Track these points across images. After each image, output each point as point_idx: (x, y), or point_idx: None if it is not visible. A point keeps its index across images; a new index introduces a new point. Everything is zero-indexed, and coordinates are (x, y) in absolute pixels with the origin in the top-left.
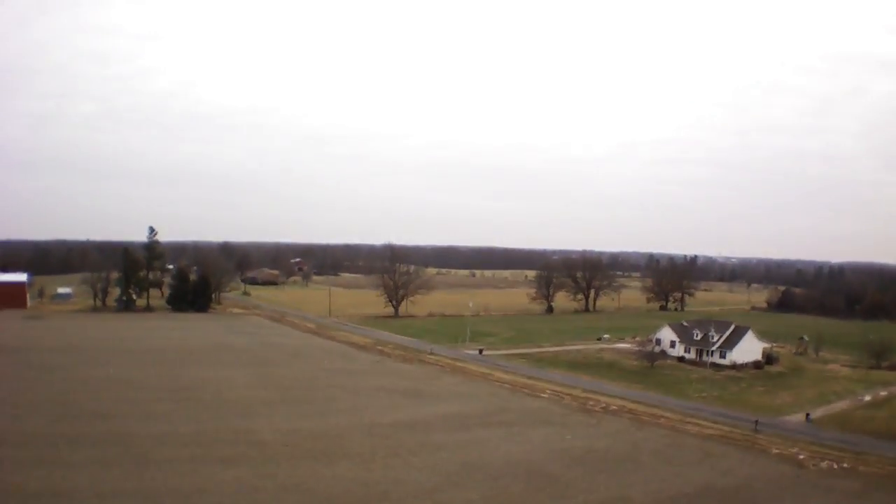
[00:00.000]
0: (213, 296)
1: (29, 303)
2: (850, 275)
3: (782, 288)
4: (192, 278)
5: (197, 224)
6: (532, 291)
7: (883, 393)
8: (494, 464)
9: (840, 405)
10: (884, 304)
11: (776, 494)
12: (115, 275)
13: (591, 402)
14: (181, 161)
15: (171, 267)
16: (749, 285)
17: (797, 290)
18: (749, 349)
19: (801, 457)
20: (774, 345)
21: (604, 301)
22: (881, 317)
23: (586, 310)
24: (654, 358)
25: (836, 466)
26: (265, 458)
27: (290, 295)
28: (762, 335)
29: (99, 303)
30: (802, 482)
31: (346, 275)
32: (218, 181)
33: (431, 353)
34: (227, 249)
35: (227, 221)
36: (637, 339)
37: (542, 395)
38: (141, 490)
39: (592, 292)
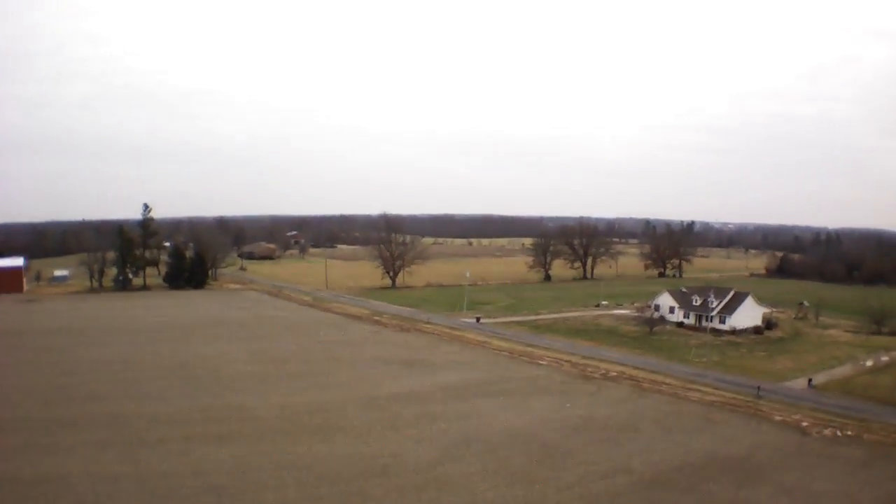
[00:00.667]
0: (210, 272)
1: (26, 286)
2: (847, 241)
3: (780, 254)
4: (188, 255)
5: (192, 200)
6: (529, 259)
7: (884, 358)
8: (493, 435)
9: (842, 370)
10: (882, 270)
11: (780, 463)
12: (111, 255)
13: (590, 369)
14: (174, 138)
15: (167, 244)
16: (747, 251)
17: (795, 256)
18: (749, 314)
19: (805, 424)
20: (774, 310)
21: (601, 268)
22: (880, 283)
23: (584, 277)
24: (653, 323)
25: (839, 434)
26: (261, 435)
27: (286, 268)
28: (761, 301)
29: (96, 283)
30: (806, 450)
31: (343, 246)
32: (212, 156)
33: (428, 323)
34: (222, 224)
35: (222, 196)
36: (636, 305)
37: (541, 362)
38: (134, 472)
39: (590, 259)
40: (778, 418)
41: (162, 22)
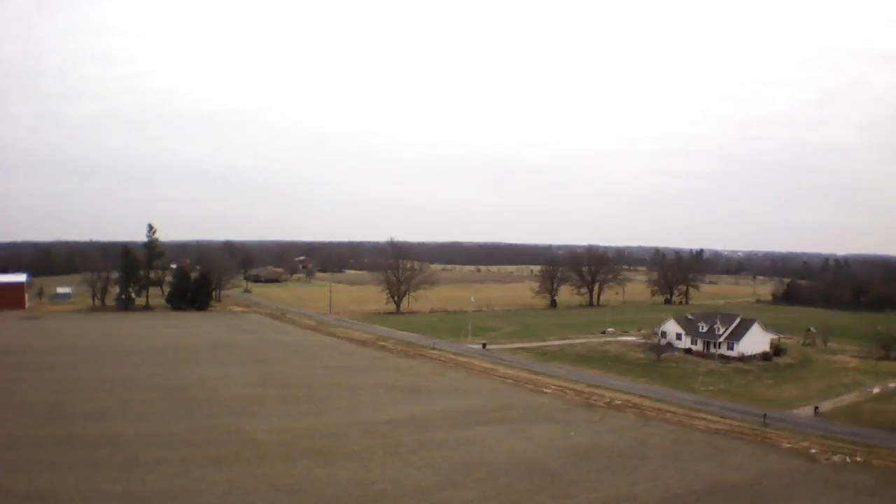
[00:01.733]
0: (214, 294)
1: (28, 303)
2: (855, 267)
3: (788, 280)
4: (192, 277)
5: (201, 224)
6: (536, 286)
7: (892, 384)
8: (496, 462)
9: (849, 397)
10: (890, 296)
11: (788, 490)
12: (115, 274)
13: (595, 397)
14: (182, 160)
15: (174, 266)
16: (755, 278)
17: (803, 283)
18: (756, 341)
19: (813, 451)
20: (781, 336)
21: (608, 295)
22: (887, 309)
23: (590, 304)
24: (661, 350)
25: (848, 460)
26: (259, 459)
27: (292, 292)
28: (768, 327)
29: (98, 302)
30: (814, 477)
31: (351, 272)
32: (220, 181)
33: (433, 349)
34: (230, 248)
35: (231, 221)
36: (642, 332)
37: (546, 390)
38: (128, 492)
39: (597, 286)
40: (786, 446)
41: (170, 42)
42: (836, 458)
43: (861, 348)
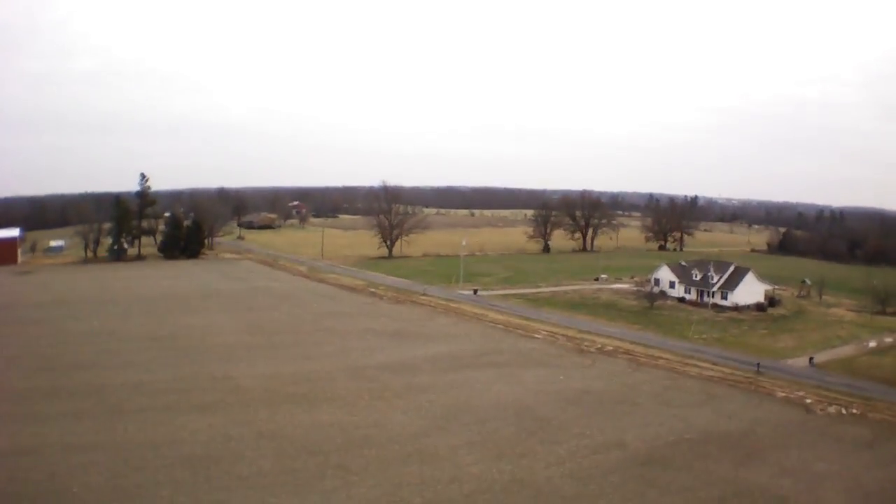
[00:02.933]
0: (206, 241)
1: (20, 258)
2: (851, 219)
3: (783, 230)
4: (185, 225)
5: (195, 172)
6: (529, 230)
7: (888, 339)
8: (483, 406)
9: (845, 350)
10: (886, 250)
11: (782, 441)
12: (107, 225)
13: (586, 343)
14: (177, 111)
15: (167, 214)
16: (750, 226)
17: (798, 233)
18: (751, 291)
19: (809, 401)
20: (776, 287)
21: (602, 240)
22: (883, 262)
23: (584, 249)
24: (653, 298)
25: (844, 412)
26: (243, 405)
27: (285, 238)
28: (763, 277)
29: (90, 254)
30: (810, 428)
31: (345, 217)
32: (215, 129)
33: (424, 294)
34: (223, 195)
35: (225, 168)
36: (635, 279)
37: (537, 335)
38: (111, 442)
39: (591, 231)
40: (780, 395)
41: None
42: (832, 409)
43: (857, 302)
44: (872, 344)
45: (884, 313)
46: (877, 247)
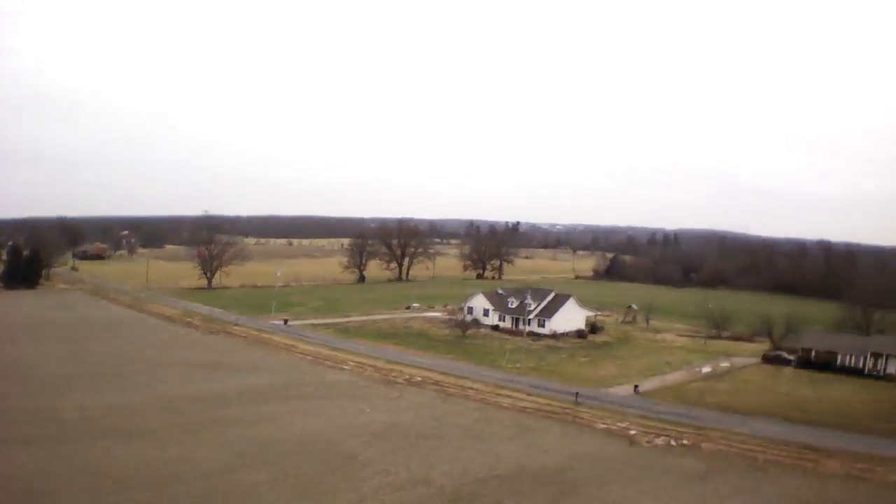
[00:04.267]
0: (43, 272)
1: None
2: (685, 242)
3: (610, 255)
4: (24, 254)
5: (37, 201)
6: (344, 260)
7: (724, 364)
8: (289, 440)
9: (674, 377)
10: (724, 273)
11: (603, 476)
12: None
13: (394, 374)
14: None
15: (11, 244)
16: (574, 252)
17: (627, 258)
18: (570, 318)
19: (633, 432)
20: (599, 313)
21: (418, 269)
22: (721, 286)
23: (399, 279)
24: (465, 327)
25: (674, 443)
26: (64, 438)
27: (114, 268)
28: (586, 303)
29: None
30: (634, 462)
31: (171, 246)
32: (58, 160)
33: (237, 325)
34: (63, 224)
35: (68, 197)
36: (448, 307)
37: (344, 366)
38: None
39: (406, 260)
40: (601, 426)
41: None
42: (660, 440)
43: (690, 327)
44: (707, 369)
45: (720, 337)
46: (714, 270)
